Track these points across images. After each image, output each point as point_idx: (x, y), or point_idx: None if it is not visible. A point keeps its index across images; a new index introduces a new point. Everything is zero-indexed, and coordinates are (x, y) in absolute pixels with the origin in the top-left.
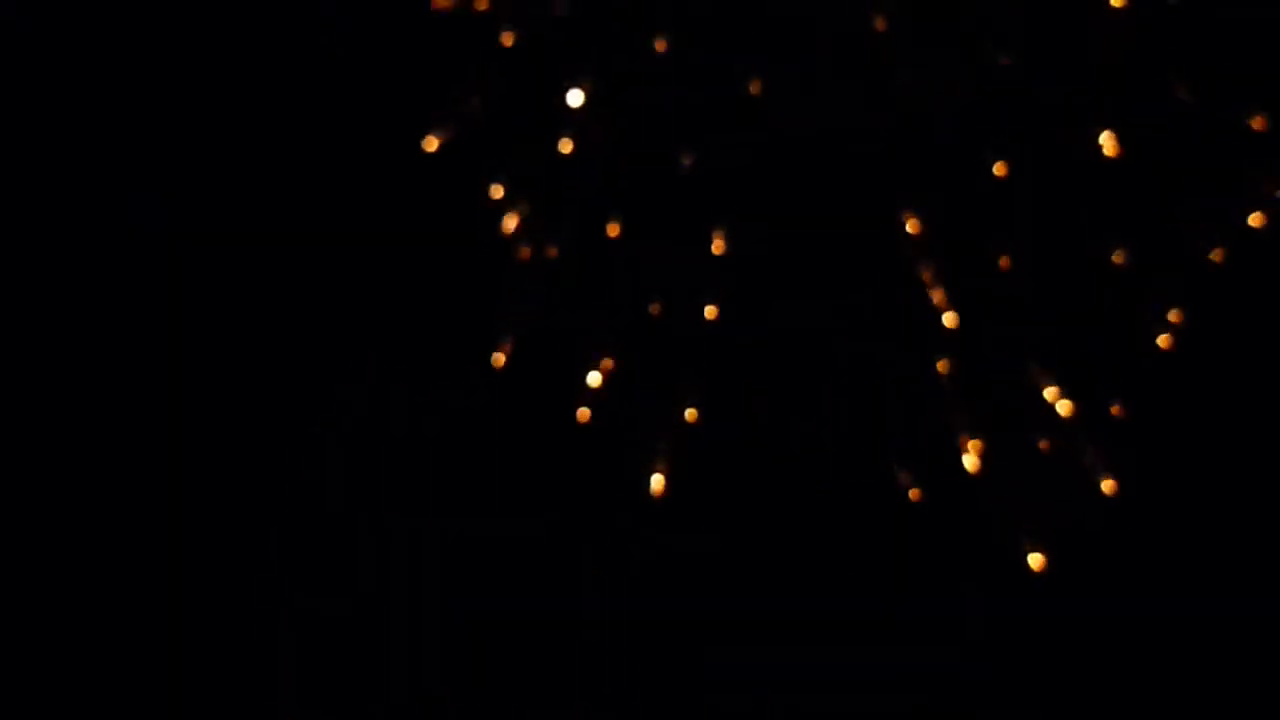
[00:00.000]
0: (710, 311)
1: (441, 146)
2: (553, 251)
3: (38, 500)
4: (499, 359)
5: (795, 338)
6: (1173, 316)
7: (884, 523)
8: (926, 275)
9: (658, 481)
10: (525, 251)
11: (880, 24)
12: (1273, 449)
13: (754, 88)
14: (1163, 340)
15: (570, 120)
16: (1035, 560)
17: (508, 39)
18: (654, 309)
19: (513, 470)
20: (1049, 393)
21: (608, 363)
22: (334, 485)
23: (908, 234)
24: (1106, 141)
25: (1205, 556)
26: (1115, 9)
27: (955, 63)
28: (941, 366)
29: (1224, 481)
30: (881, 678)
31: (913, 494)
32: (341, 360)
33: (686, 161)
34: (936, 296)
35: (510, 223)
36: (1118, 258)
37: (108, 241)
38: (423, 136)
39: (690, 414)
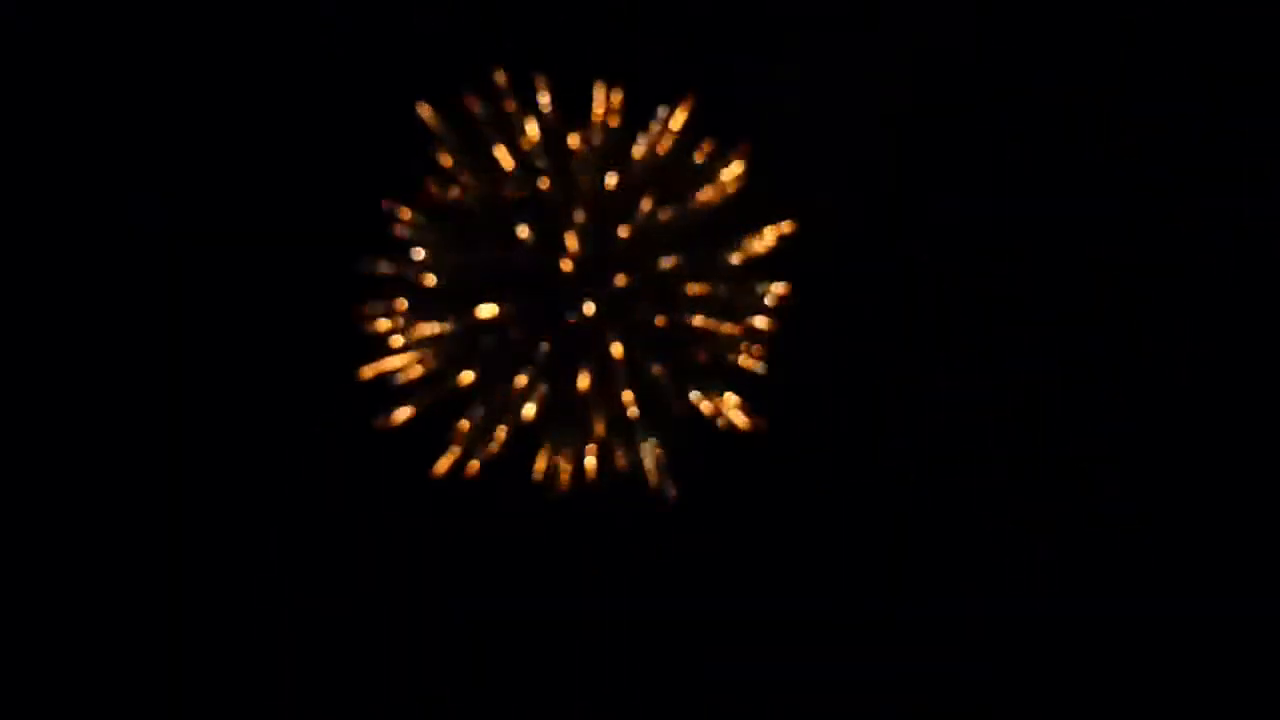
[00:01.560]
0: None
1: (442, 151)
2: (566, 263)
3: (38, 499)
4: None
5: (796, 339)
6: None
7: (884, 523)
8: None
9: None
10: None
11: (884, 24)
12: (1272, 451)
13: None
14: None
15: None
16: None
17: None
18: (660, 320)
19: (513, 471)
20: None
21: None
22: (334, 485)
23: (907, 236)
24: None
25: (1205, 556)
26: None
27: (958, 63)
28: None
29: (1224, 483)
30: (881, 678)
31: None
32: (341, 360)
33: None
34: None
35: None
36: (1119, 260)
37: (108, 241)
38: (422, 138)
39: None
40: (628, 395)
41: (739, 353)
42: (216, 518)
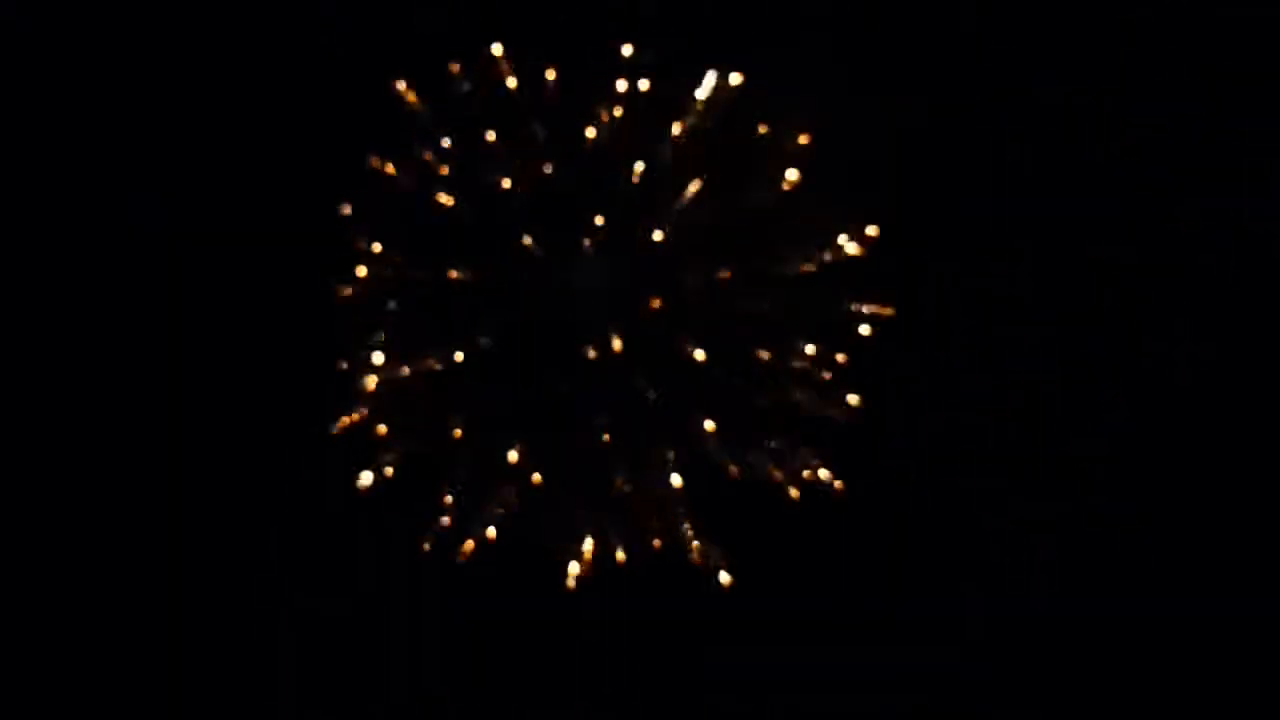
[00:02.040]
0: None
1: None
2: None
3: (38, 499)
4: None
5: (797, 340)
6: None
7: (884, 523)
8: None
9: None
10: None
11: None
12: (1272, 451)
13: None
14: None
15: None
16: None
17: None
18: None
19: (513, 471)
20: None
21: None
22: (334, 485)
23: (907, 239)
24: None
25: (1205, 557)
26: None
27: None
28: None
29: (1224, 483)
30: (881, 678)
31: None
32: (341, 360)
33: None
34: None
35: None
36: (1119, 260)
37: (108, 241)
38: (423, 139)
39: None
40: (665, 453)
41: (814, 395)
42: (216, 518)
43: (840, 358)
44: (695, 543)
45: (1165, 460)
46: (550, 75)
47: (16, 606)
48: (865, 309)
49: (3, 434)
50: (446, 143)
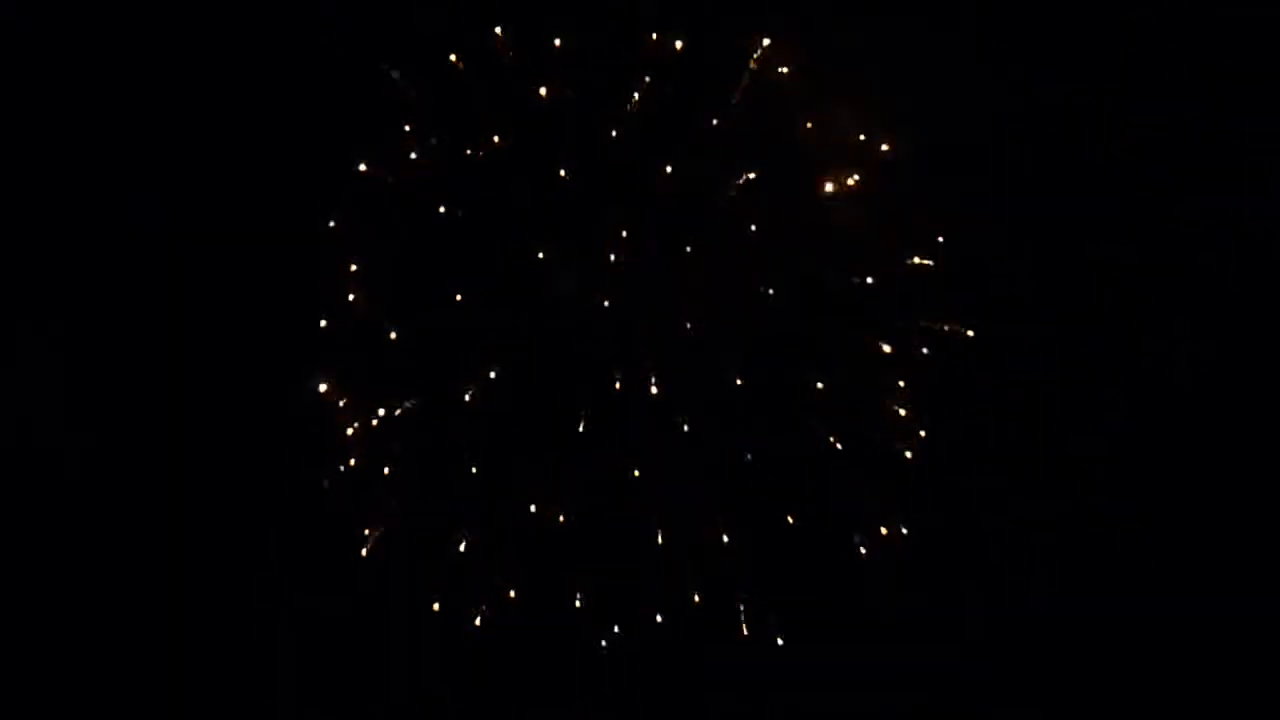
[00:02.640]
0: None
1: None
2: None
3: (38, 499)
4: None
5: (797, 342)
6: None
7: (886, 523)
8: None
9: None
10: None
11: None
12: (1272, 451)
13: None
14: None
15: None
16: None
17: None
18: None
19: (512, 471)
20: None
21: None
22: (334, 485)
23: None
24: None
25: (1205, 556)
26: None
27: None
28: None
29: (1224, 483)
30: (881, 678)
31: None
32: (341, 360)
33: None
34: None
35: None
36: (1119, 260)
37: (108, 241)
38: (422, 138)
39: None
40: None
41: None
42: (217, 518)
43: (901, 384)
44: (744, 615)
45: (1165, 460)
46: (563, 68)
47: (18, 607)
48: (945, 327)
49: (3, 434)
50: (451, 145)
